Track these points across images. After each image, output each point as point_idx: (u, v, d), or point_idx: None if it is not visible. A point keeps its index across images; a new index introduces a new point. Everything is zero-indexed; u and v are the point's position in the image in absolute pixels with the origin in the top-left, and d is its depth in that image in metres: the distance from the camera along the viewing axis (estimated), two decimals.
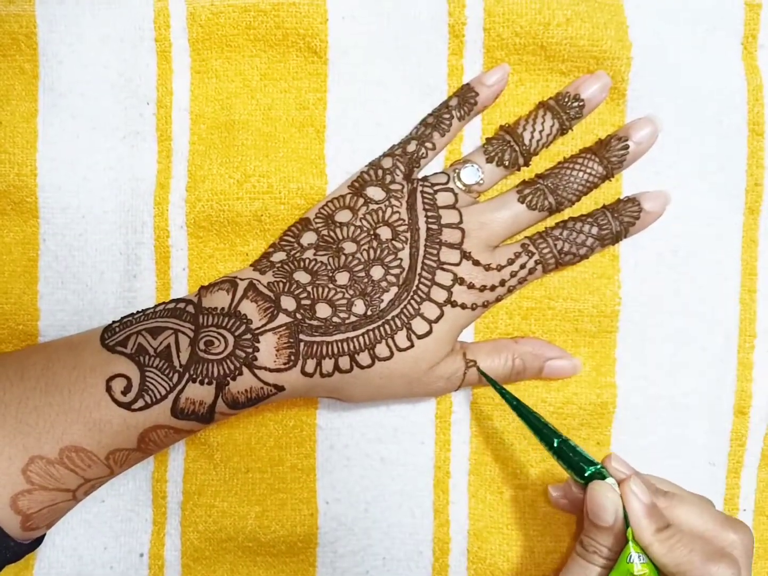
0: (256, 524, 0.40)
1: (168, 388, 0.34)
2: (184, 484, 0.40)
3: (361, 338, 0.35)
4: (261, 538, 0.40)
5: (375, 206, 0.37)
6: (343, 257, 0.37)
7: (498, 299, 0.38)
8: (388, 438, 0.41)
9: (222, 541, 0.40)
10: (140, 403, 0.33)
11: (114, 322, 0.35)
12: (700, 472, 0.41)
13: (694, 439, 0.41)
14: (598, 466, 0.35)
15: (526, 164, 0.39)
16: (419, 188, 0.38)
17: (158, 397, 0.33)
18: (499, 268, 0.37)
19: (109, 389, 0.33)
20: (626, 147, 0.38)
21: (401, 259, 0.37)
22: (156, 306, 0.36)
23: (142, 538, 0.41)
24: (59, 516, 0.35)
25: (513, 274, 0.37)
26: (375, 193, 0.38)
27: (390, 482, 0.41)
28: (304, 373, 0.35)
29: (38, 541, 0.36)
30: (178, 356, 0.34)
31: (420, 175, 0.39)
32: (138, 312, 0.36)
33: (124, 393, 0.33)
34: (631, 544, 0.33)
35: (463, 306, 0.37)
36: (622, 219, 0.38)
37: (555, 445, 0.35)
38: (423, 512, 0.41)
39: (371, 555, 0.41)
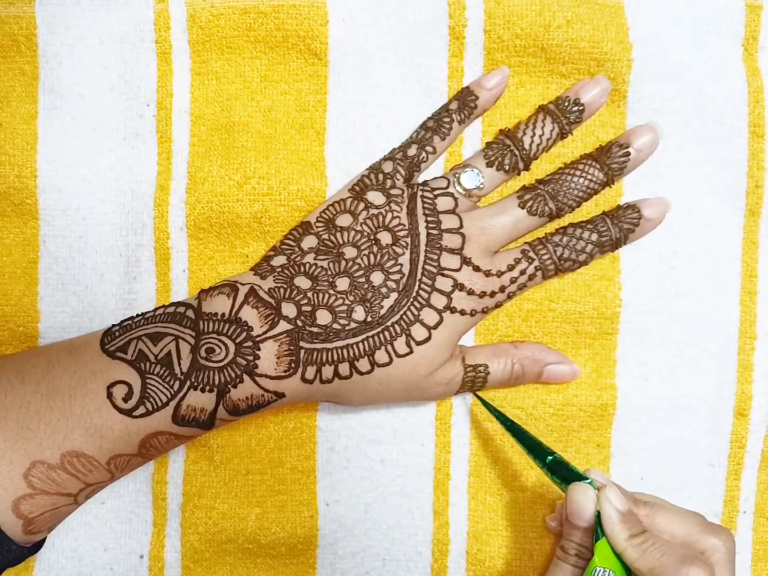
0: (256, 526, 0.40)
1: (169, 396, 0.34)
2: (184, 486, 0.40)
3: (360, 345, 0.35)
4: (261, 540, 0.40)
5: (375, 211, 0.37)
6: (343, 262, 0.36)
7: (497, 305, 0.38)
8: (388, 440, 0.41)
9: (222, 542, 0.40)
10: (141, 410, 0.33)
11: (114, 325, 0.35)
12: (700, 474, 0.41)
13: (694, 440, 0.41)
14: (589, 480, 0.35)
15: (526, 168, 0.39)
16: (419, 193, 0.38)
17: (159, 404, 0.33)
18: (499, 274, 0.37)
19: (110, 396, 0.33)
20: (627, 154, 0.38)
21: (401, 265, 0.37)
22: (156, 309, 0.36)
23: (142, 539, 0.41)
24: (60, 519, 0.35)
25: (513, 281, 0.37)
26: (375, 197, 0.38)
27: (390, 484, 0.41)
28: (304, 380, 0.35)
29: (39, 545, 0.36)
30: (179, 363, 0.34)
31: (420, 179, 0.39)
32: (138, 315, 0.35)
33: (125, 400, 0.33)
34: (596, 557, 0.33)
35: (463, 312, 0.37)
36: (621, 226, 0.38)
37: (547, 461, 0.36)
38: (423, 514, 0.41)
39: (371, 556, 0.41)
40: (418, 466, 0.41)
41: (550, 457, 0.36)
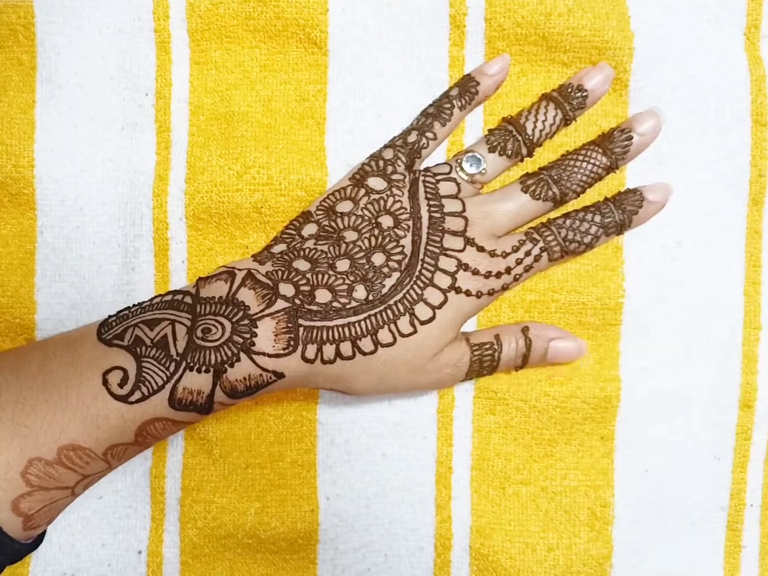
0: (256, 520, 0.40)
1: (165, 378, 0.33)
2: (182, 480, 0.40)
3: (362, 323, 0.35)
4: (261, 535, 0.40)
5: (376, 196, 0.37)
6: (344, 245, 0.36)
7: (504, 288, 0.37)
8: (389, 433, 0.40)
9: (221, 537, 0.40)
10: (137, 394, 0.33)
11: (110, 316, 0.35)
12: (705, 467, 0.41)
13: (699, 433, 0.41)
14: None
15: (530, 155, 0.39)
16: (421, 178, 0.38)
17: (155, 387, 0.33)
18: (504, 255, 0.37)
19: (105, 382, 0.33)
20: (630, 138, 0.38)
21: (403, 246, 0.36)
22: (153, 298, 0.35)
23: (140, 534, 0.40)
24: (59, 512, 0.35)
25: (518, 262, 0.37)
26: (376, 183, 0.37)
27: (391, 478, 0.40)
28: (304, 358, 0.34)
29: (39, 540, 0.35)
30: (175, 345, 0.33)
31: (422, 167, 0.39)
32: (135, 305, 0.35)
33: (121, 385, 0.33)
34: None
35: (468, 293, 0.36)
36: (624, 208, 0.38)
37: None
38: (425, 508, 0.40)
39: (372, 552, 0.40)
40: (420, 460, 0.40)
41: None
